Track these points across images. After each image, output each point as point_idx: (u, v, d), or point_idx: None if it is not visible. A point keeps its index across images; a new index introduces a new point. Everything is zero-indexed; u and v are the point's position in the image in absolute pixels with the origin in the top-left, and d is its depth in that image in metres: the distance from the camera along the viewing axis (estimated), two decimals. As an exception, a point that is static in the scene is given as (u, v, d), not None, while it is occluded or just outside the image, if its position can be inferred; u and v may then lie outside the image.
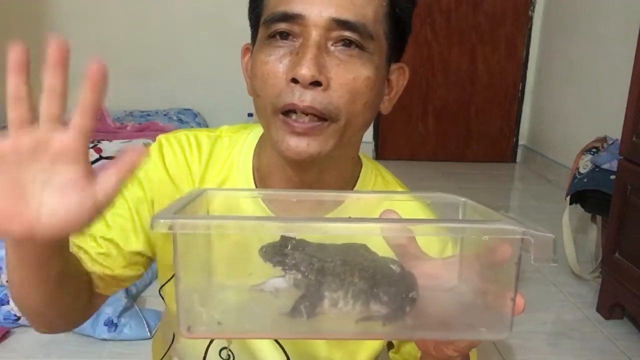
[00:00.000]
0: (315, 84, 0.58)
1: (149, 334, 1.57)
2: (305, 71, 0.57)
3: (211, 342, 0.76)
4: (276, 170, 0.69)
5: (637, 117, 1.70)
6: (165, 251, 0.73)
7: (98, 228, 0.69)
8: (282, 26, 0.60)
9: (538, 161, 3.64)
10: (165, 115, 3.27)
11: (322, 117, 0.59)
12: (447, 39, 3.73)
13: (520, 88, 3.81)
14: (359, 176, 0.74)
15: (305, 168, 0.66)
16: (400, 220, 0.50)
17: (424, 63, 3.75)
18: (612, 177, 1.87)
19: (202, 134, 0.75)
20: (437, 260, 0.53)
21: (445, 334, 0.47)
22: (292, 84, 0.58)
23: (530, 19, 3.69)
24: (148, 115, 3.26)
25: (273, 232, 0.45)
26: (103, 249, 0.69)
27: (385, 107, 0.68)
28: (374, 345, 0.75)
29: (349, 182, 0.73)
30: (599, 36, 2.94)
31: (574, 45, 3.23)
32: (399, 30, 0.65)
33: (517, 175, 3.73)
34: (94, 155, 2.30)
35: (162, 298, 0.80)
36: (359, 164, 0.74)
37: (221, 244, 0.49)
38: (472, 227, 0.45)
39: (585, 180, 2.04)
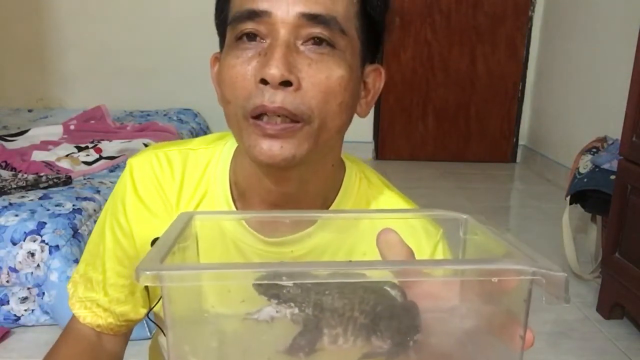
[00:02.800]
0: (286, 83, 0.55)
1: (149, 334, 1.56)
2: (274, 70, 0.54)
3: None
4: (255, 183, 0.65)
5: (637, 117, 1.70)
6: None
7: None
8: (249, 25, 0.57)
9: (538, 161, 3.64)
10: (165, 115, 3.27)
11: (294, 119, 0.56)
12: (447, 39, 3.73)
13: (520, 88, 3.80)
14: (342, 182, 0.71)
15: (284, 179, 0.63)
16: (398, 262, 0.46)
17: (424, 63, 3.75)
18: (612, 177, 1.87)
19: (173, 150, 0.73)
20: (437, 279, 0.51)
21: None
22: (262, 85, 0.56)
23: (530, 19, 3.69)
24: (148, 115, 3.26)
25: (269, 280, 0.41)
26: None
27: (363, 110, 0.66)
28: None
29: (331, 190, 0.69)
30: (599, 36, 2.94)
31: (574, 45, 3.23)
32: (371, 29, 0.63)
33: (517, 175, 3.73)
34: (94, 155, 2.30)
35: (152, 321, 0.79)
36: (342, 169, 0.71)
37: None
38: (479, 269, 0.42)
39: (585, 180, 2.04)
